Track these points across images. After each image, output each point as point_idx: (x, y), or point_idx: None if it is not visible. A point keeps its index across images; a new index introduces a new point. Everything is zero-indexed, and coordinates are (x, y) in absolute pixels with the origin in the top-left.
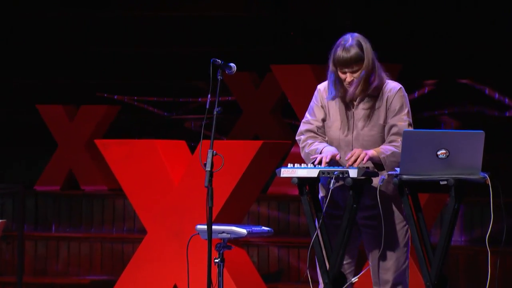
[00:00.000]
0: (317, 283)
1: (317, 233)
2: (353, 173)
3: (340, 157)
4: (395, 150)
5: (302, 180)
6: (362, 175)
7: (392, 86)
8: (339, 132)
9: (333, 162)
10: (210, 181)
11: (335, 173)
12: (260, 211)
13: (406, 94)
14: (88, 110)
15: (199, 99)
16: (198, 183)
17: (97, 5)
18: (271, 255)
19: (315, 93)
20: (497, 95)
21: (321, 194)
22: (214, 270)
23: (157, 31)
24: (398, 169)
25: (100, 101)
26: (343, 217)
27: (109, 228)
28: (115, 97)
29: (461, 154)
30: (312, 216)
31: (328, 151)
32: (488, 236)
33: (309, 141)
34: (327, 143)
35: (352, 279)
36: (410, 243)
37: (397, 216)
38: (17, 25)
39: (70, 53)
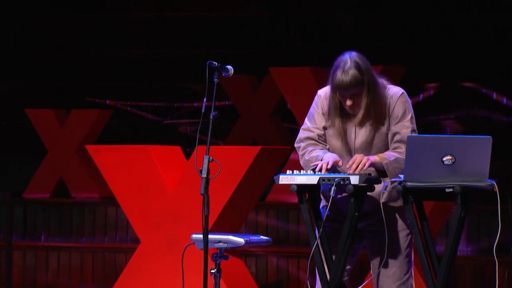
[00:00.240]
0: None
1: (317, 243)
2: (354, 179)
3: (342, 164)
4: (399, 156)
5: (302, 188)
6: (363, 182)
7: (393, 91)
8: (341, 141)
9: (334, 170)
10: (206, 188)
11: (336, 179)
12: (258, 219)
13: (409, 99)
14: (79, 114)
15: (195, 104)
16: (193, 191)
17: (90, 7)
18: (269, 265)
19: (316, 98)
20: (505, 100)
21: (322, 203)
22: (211, 281)
23: (151, 33)
24: (402, 176)
25: (91, 105)
26: (344, 225)
27: (101, 238)
28: (107, 101)
29: (467, 160)
30: (312, 225)
31: (330, 157)
32: (496, 246)
33: (309, 148)
34: (328, 151)
35: None
36: (413, 253)
37: (400, 224)
38: (5, 27)
39: (61, 55)
